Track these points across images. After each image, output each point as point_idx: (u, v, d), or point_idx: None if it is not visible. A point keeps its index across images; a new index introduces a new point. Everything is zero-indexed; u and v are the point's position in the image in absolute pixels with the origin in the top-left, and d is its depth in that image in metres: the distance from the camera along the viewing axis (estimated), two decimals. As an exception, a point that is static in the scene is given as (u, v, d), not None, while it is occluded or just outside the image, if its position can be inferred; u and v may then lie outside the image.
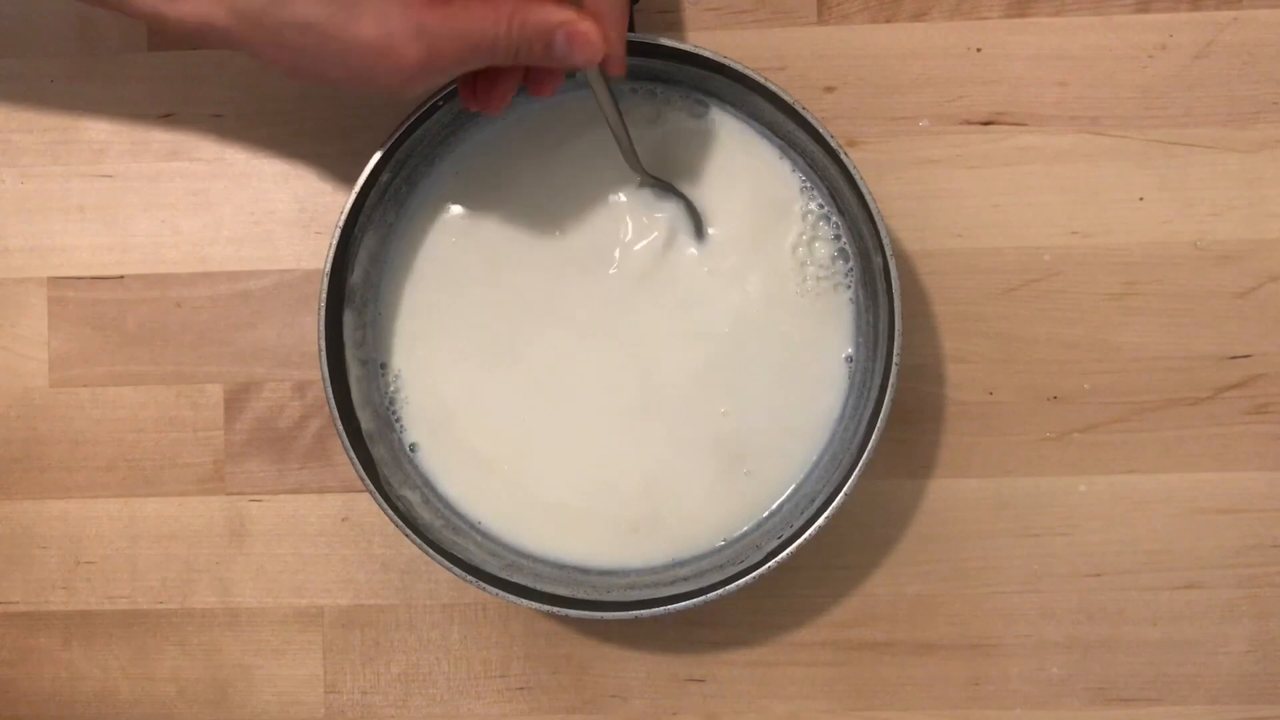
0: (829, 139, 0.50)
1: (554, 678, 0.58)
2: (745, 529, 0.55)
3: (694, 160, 0.55)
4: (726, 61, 0.51)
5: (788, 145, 0.54)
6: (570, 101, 0.55)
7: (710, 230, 0.55)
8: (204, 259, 0.60)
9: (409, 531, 0.51)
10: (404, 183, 0.55)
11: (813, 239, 0.55)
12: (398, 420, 0.56)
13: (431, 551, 0.51)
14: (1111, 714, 0.57)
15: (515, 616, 0.58)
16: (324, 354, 0.52)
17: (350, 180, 0.52)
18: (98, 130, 0.60)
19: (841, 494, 0.50)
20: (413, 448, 0.55)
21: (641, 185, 0.54)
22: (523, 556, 0.55)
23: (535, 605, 0.52)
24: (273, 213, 0.60)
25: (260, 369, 0.59)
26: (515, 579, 0.53)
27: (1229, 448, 0.57)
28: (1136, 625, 0.57)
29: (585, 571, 0.55)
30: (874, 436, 0.50)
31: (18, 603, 0.60)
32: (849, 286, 0.55)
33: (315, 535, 0.59)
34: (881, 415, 0.50)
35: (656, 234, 0.55)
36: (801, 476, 0.54)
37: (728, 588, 0.51)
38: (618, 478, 0.55)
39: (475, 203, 0.56)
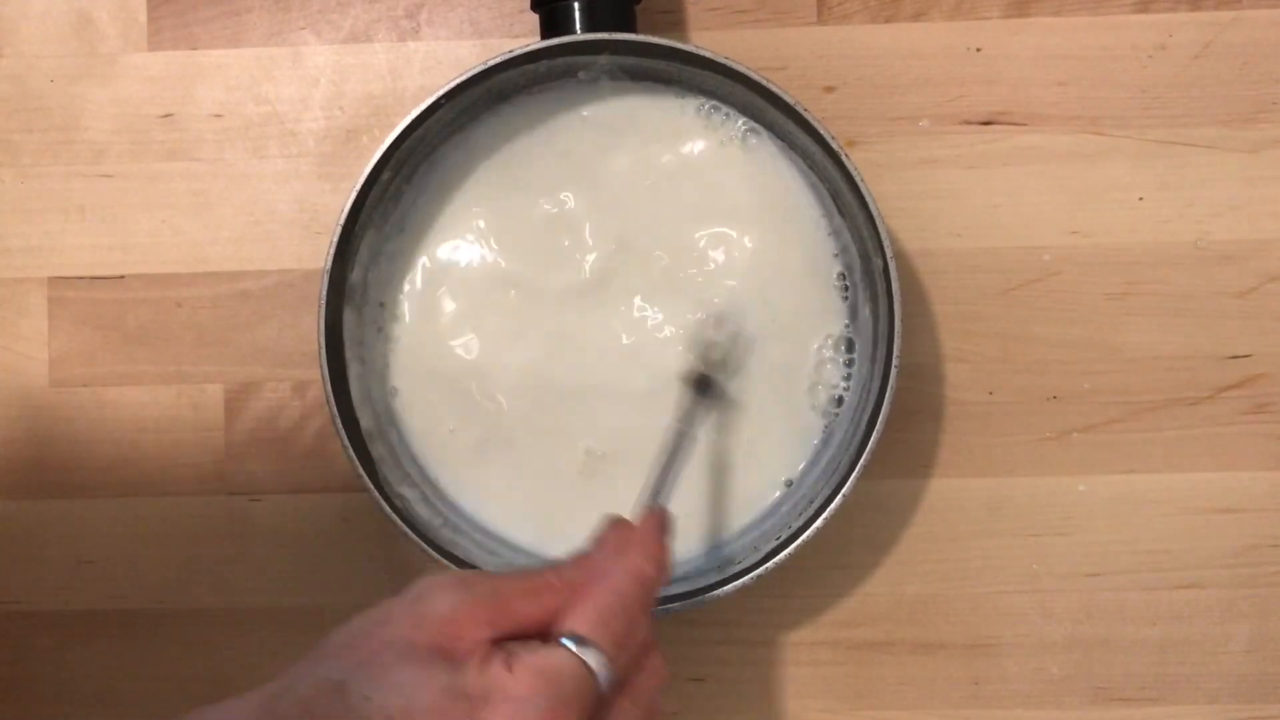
0: (829, 140, 0.50)
1: (554, 678, 0.58)
2: (744, 529, 0.55)
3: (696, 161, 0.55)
4: (727, 62, 0.51)
5: (788, 146, 0.54)
6: (575, 98, 0.55)
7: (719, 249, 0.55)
8: (204, 259, 0.60)
9: (406, 529, 0.51)
10: (405, 181, 0.55)
11: (814, 242, 0.55)
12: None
13: (428, 548, 0.51)
14: (1111, 714, 0.57)
15: (515, 616, 0.58)
16: (323, 351, 0.52)
17: (350, 180, 0.52)
18: (98, 130, 0.60)
19: (840, 495, 0.50)
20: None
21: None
22: (521, 555, 0.55)
23: (535, 605, 0.52)
24: (273, 213, 0.60)
25: (260, 369, 0.59)
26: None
27: (1229, 448, 0.57)
28: (1136, 625, 0.57)
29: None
30: (873, 438, 0.50)
31: (18, 603, 0.59)
32: (849, 288, 0.55)
33: (315, 535, 0.59)
34: (881, 416, 0.50)
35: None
36: (799, 476, 0.54)
37: (727, 588, 0.51)
38: (616, 478, 0.55)
39: (477, 201, 0.56)
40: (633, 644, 0.41)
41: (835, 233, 0.54)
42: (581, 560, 0.43)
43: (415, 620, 0.39)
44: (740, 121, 0.55)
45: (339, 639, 0.39)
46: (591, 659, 0.39)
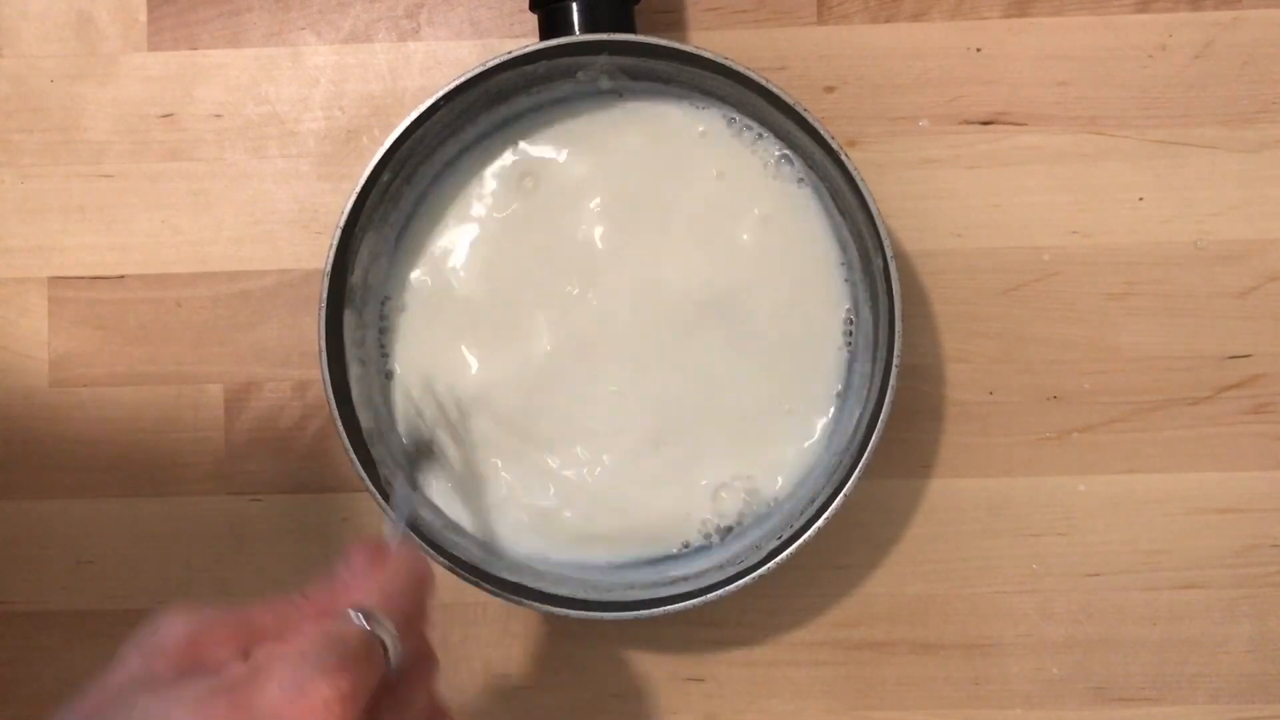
0: (829, 140, 0.50)
1: (554, 678, 0.58)
2: (744, 530, 0.55)
3: (694, 160, 0.55)
4: (726, 62, 0.51)
5: (786, 145, 0.54)
6: (574, 99, 0.55)
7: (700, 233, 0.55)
8: (204, 259, 0.60)
9: (407, 530, 0.51)
10: (405, 182, 0.55)
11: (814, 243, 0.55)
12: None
13: (431, 550, 0.51)
14: (1111, 714, 0.57)
15: (515, 616, 0.58)
16: (324, 354, 0.52)
17: (350, 180, 0.52)
18: (98, 130, 0.60)
19: (841, 495, 0.50)
20: (413, 447, 0.56)
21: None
22: (520, 556, 0.55)
23: (535, 605, 0.52)
24: (273, 213, 0.60)
25: (260, 369, 0.59)
26: (515, 579, 0.53)
27: (1229, 448, 0.57)
28: (1136, 625, 0.57)
29: (584, 570, 0.55)
30: (874, 438, 0.50)
31: (18, 603, 0.59)
32: (851, 286, 0.55)
33: (315, 535, 0.59)
34: (881, 417, 0.50)
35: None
36: (801, 477, 0.54)
37: (728, 588, 0.51)
38: (615, 479, 0.55)
39: (476, 202, 0.56)
40: (415, 632, 0.38)
41: (835, 233, 0.54)
42: (327, 580, 0.40)
43: (151, 652, 0.36)
44: (775, 147, 0.54)
45: (75, 701, 0.36)
46: (382, 632, 0.36)
